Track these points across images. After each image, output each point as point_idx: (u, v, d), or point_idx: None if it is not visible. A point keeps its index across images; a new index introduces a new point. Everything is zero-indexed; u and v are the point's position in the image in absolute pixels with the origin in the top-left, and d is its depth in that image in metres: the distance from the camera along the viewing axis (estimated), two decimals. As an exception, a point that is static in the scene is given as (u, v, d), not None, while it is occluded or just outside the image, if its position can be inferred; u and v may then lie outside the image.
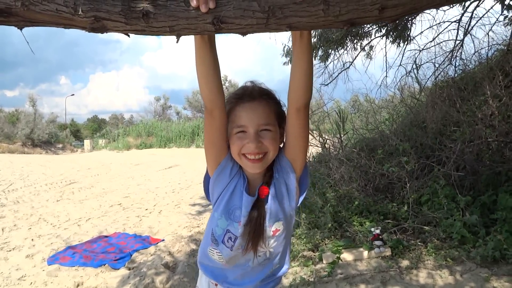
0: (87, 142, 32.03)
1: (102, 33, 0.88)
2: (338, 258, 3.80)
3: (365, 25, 6.60)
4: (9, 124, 29.95)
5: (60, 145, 32.82)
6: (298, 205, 1.33)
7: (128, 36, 0.92)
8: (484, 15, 5.78)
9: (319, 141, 6.42)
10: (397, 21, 6.01)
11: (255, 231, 1.24)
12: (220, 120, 1.18)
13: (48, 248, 4.72)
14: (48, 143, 31.42)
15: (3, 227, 5.72)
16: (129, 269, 4.08)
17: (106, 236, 5.21)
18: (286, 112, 1.24)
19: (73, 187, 9.69)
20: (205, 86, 1.13)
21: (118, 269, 4.08)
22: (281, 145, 1.30)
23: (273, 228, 1.28)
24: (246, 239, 1.26)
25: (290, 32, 1.01)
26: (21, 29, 0.89)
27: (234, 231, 1.28)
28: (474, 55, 5.97)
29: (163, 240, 4.98)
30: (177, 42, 0.93)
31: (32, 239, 5.12)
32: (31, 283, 3.76)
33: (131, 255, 4.44)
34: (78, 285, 3.70)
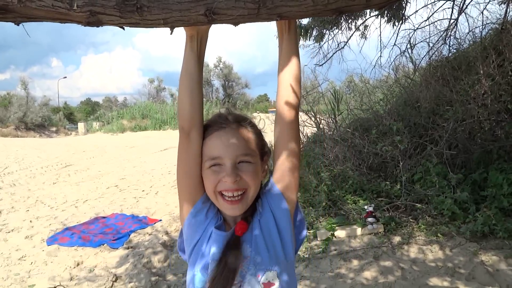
0: (81, 125, 31.85)
1: (97, 26, 0.89)
2: (332, 235, 3.89)
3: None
4: (1, 108, 29.66)
5: (54, 128, 32.64)
6: (298, 251, 1.09)
7: (123, 29, 0.93)
8: (479, -7, 5.77)
9: (314, 122, 6.46)
10: (384, 8, 5.98)
11: (221, 278, 0.95)
12: (198, 145, 1.02)
13: (47, 229, 4.78)
14: (41, 126, 31.24)
15: (0, 209, 5.76)
16: (128, 248, 4.15)
17: (103, 217, 5.27)
18: (275, 117, 1.06)
19: (69, 169, 9.71)
20: (187, 100, 1.01)
21: (117, 248, 4.16)
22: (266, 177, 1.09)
23: (263, 280, 0.97)
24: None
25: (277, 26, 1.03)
26: (18, 25, 0.90)
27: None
28: (468, 34, 5.97)
29: (160, 220, 5.05)
30: (171, 33, 0.95)
31: (31, 221, 5.18)
32: (32, 263, 3.83)
33: (129, 235, 4.51)
34: (78, 264, 3.77)
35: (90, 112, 45.66)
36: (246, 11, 0.87)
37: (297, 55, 1.06)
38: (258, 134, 1.09)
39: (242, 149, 1.01)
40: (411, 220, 3.99)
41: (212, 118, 1.08)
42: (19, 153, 13.29)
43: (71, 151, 14.14)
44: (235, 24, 0.93)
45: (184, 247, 1.08)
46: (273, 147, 1.08)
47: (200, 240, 1.03)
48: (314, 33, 6.82)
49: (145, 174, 8.72)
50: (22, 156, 12.30)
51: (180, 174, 1.04)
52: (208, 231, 1.02)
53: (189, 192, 1.04)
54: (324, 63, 7.15)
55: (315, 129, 6.63)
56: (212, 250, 0.99)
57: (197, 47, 1.02)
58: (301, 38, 6.54)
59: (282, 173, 1.03)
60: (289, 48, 1.05)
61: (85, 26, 0.87)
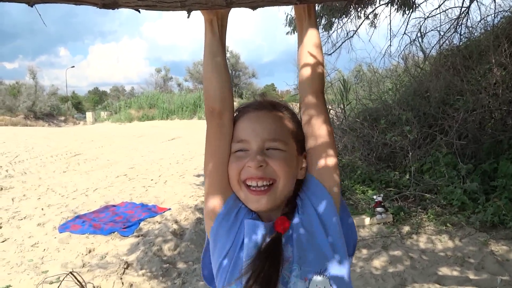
0: (89, 115, 32.06)
1: (113, 9, 0.84)
2: (341, 224, 3.90)
3: (369, -8, 6.48)
4: (10, 97, 29.93)
5: (62, 118, 32.92)
6: (352, 255, 0.95)
7: (139, 12, 0.89)
8: (491, -20, 5.66)
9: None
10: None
11: (263, 277, 0.78)
12: (231, 128, 0.92)
13: (58, 217, 4.85)
14: (50, 115, 31.52)
15: (12, 197, 5.85)
16: (138, 236, 4.21)
17: (113, 206, 5.34)
18: (301, 111, 0.97)
19: (78, 158, 9.81)
20: (216, 80, 0.92)
21: (127, 236, 4.22)
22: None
23: (312, 286, 0.80)
24: None
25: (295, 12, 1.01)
26: (31, 6, 0.86)
27: None
28: (480, 23, 5.89)
29: (170, 209, 5.10)
30: (188, 17, 0.91)
31: (42, 209, 5.26)
32: (44, 249, 3.90)
33: (139, 224, 4.57)
34: (90, 251, 3.83)
35: (97, 102, 45.89)
36: None
37: (319, 43, 1.00)
38: (296, 122, 0.95)
39: (272, 133, 0.88)
40: (420, 210, 3.99)
41: (246, 103, 0.98)
42: (29, 142, 13.43)
43: (79, 140, 14.26)
44: (253, 8, 0.88)
45: (212, 262, 0.91)
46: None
47: (232, 247, 0.86)
48: (323, 21, 6.76)
49: (153, 164, 8.78)
50: (32, 145, 12.44)
51: (210, 165, 0.91)
52: (241, 237, 0.86)
53: (221, 186, 0.90)
54: (333, 52, 7.10)
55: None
56: (246, 245, 0.83)
57: (218, 30, 0.95)
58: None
59: (319, 165, 0.90)
60: (309, 37, 0.99)
61: (100, 8, 0.82)
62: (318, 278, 0.81)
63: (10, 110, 28.51)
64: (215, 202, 0.89)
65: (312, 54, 0.97)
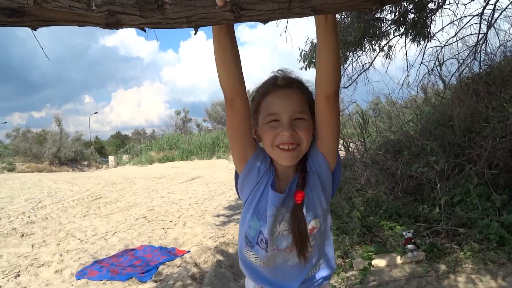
0: (111, 158, 32.62)
1: (117, 28, 0.83)
2: (370, 264, 3.66)
3: (382, 25, 6.49)
4: (37, 144, 30.90)
5: (86, 162, 33.62)
6: (332, 197, 1.29)
7: (144, 31, 0.88)
8: (507, 6, 5.60)
9: (343, 145, 6.29)
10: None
11: (300, 235, 1.17)
12: (243, 111, 1.12)
13: (76, 263, 4.74)
14: (74, 160, 32.24)
15: (33, 243, 5.81)
16: (156, 281, 4.04)
17: (132, 249, 5.21)
18: (314, 101, 1.17)
19: (99, 202, 9.82)
20: (224, 73, 1.07)
21: (145, 282, 4.05)
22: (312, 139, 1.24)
23: (310, 226, 1.20)
24: (292, 244, 1.20)
25: (313, 18, 0.96)
26: (35, 30, 0.87)
27: (265, 233, 1.21)
28: (499, 48, 5.76)
29: (189, 251, 4.94)
30: (195, 34, 0.89)
31: (61, 255, 5.17)
32: (61, 298, 3.77)
33: (157, 268, 4.41)
34: (106, 300, 3.68)
35: (119, 145, 46.85)
36: (276, 5, 0.81)
37: (336, 44, 1.04)
38: (309, 95, 1.21)
39: (298, 107, 1.15)
40: (454, 246, 3.71)
41: (270, 79, 1.21)
42: (53, 187, 13.63)
43: (101, 183, 14.39)
44: (264, 21, 0.86)
45: (239, 192, 1.29)
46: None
47: (254, 191, 1.21)
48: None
49: (173, 205, 8.70)
50: (55, 190, 12.60)
51: (229, 137, 1.18)
52: (261, 185, 1.20)
53: (240, 151, 1.18)
54: (349, 85, 7.06)
55: (344, 152, 6.46)
56: (270, 209, 1.18)
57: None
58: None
59: (323, 141, 1.17)
60: (327, 38, 1.03)
61: (104, 28, 0.82)
62: (313, 220, 1.20)
63: (37, 157, 29.33)
64: (239, 161, 1.19)
65: (327, 61, 1.06)
